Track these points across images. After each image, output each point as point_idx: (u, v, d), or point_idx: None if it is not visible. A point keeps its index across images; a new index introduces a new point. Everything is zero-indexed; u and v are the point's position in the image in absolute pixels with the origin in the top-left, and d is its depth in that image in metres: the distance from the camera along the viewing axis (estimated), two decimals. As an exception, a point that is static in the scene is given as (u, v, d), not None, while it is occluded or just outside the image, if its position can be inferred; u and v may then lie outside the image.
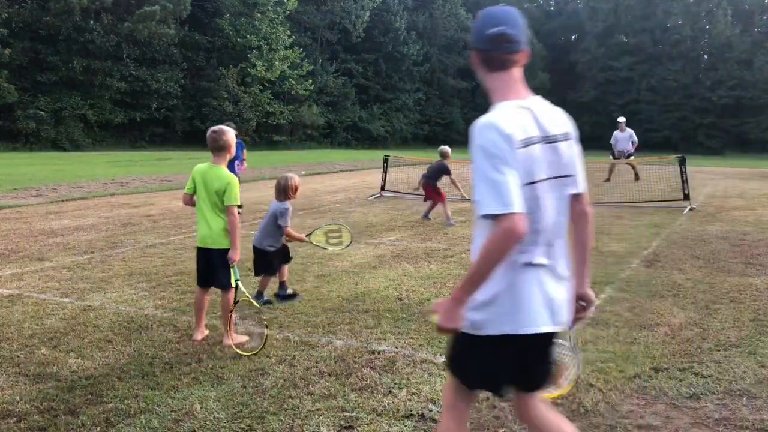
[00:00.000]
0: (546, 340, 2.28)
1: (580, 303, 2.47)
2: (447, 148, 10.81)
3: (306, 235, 5.64)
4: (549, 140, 2.19)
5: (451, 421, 2.36)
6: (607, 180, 17.92)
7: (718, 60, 54.83)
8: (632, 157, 18.11)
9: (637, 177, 18.00)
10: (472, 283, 2.08)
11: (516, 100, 2.19)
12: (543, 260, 2.20)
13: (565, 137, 2.25)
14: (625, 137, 18.08)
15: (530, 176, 2.11)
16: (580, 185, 2.32)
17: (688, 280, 6.35)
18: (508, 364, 2.25)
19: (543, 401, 2.42)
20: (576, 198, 2.33)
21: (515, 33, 2.16)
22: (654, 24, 56.64)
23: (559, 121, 2.26)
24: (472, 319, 2.17)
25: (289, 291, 5.67)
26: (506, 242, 2.01)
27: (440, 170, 10.43)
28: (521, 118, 2.14)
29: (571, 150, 2.26)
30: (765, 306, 5.43)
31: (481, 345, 2.20)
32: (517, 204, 2.00)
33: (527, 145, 2.10)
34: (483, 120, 2.13)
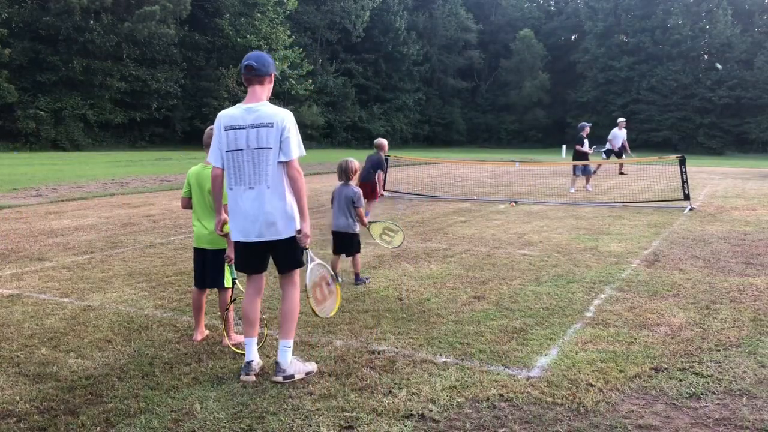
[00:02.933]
0: (266, 244, 3.77)
1: (299, 234, 3.76)
2: (383, 140, 10.18)
3: (369, 222, 6.34)
4: (254, 126, 3.70)
5: (247, 289, 3.97)
6: (623, 173, 20.38)
7: (719, 60, 54.81)
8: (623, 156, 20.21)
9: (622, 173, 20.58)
10: (216, 205, 3.97)
11: (245, 104, 3.79)
12: (247, 194, 3.71)
13: (268, 126, 3.69)
14: (621, 135, 19.86)
15: (233, 146, 3.74)
16: (284, 156, 3.70)
17: (688, 280, 6.35)
18: (247, 257, 3.86)
19: (291, 279, 3.89)
20: (284, 164, 3.73)
21: (256, 65, 3.75)
22: (654, 24, 56.61)
23: (266, 117, 3.71)
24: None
25: (364, 278, 6.28)
26: (214, 180, 3.86)
27: (377, 164, 9.99)
28: (236, 113, 3.76)
29: (270, 134, 3.69)
30: (765, 306, 5.43)
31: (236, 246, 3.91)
32: (217, 161, 3.80)
33: (231, 129, 3.74)
34: (219, 113, 3.86)
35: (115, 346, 4.37)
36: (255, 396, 3.56)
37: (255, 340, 3.87)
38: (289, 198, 3.75)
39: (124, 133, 41.72)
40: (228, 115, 3.78)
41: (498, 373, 3.90)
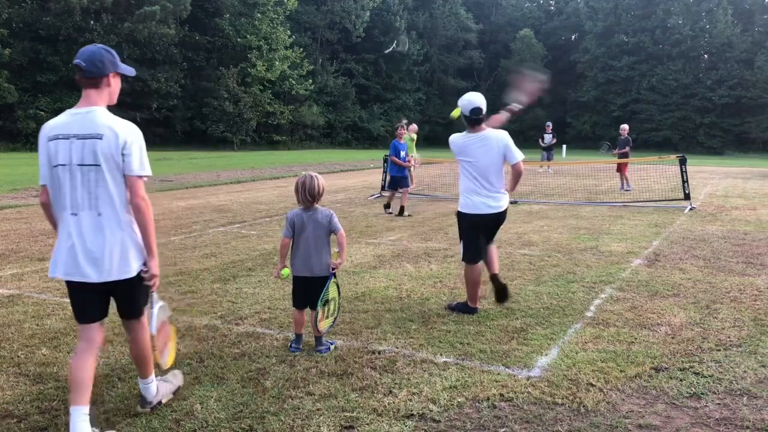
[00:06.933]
0: (91, 285, 3.03)
1: (145, 274, 3.10)
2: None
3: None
4: (79, 137, 2.96)
5: (79, 343, 3.20)
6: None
7: (719, 60, 54.78)
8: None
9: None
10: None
11: (73, 109, 3.05)
12: (71, 221, 3.01)
13: (96, 137, 2.95)
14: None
15: (54, 160, 2.98)
16: (130, 170, 3.00)
17: (689, 280, 6.35)
18: (80, 301, 3.12)
19: (140, 326, 3.27)
20: (126, 186, 3.04)
21: (85, 65, 2.99)
22: (654, 24, 56.58)
23: (94, 126, 2.96)
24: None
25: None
26: (42, 205, 3.14)
27: None
28: (62, 121, 3.02)
29: (97, 146, 2.95)
30: (766, 306, 5.43)
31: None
32: (43, 178, 3.03)
33: (53, 140, 2.99)
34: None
35: (115, 346, 4.37)
36: (255, 396, 3.56)
37: (86, 409, 3.03)
38: (129, 228, 3.06)
39: (124, 133, 41.69)
40: (54, 122, 3.05)
41: (498, 373, 3.89)
